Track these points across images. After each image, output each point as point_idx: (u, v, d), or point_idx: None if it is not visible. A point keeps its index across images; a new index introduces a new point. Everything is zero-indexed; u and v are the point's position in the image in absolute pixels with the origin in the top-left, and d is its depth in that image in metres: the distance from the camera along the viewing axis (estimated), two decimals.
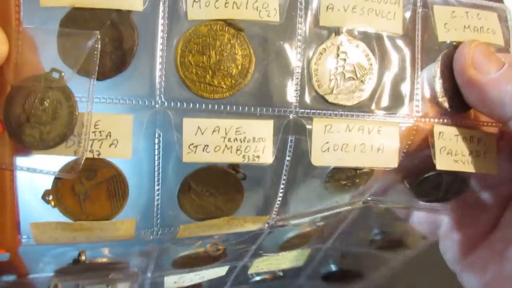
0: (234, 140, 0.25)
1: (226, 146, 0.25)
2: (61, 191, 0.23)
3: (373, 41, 0.27)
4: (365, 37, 0.27)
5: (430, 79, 0.27)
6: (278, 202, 0.27)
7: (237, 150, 0.25)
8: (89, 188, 0.24)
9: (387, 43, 0.27)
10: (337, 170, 0.28)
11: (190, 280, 0.34)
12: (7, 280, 0.27)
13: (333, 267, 0.40)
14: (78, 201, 0.24)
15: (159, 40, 0.24)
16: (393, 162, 0.27)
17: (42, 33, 0.23)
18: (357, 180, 0.29)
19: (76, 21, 0.24)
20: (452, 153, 0.27)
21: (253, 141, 0.25)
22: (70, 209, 0.24)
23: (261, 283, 0.40)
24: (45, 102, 0.23)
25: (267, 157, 0.25)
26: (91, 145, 0.23)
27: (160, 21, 0.24)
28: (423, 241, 0.36)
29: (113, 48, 0.24)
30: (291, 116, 0.26)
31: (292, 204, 0.29)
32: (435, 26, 0.27)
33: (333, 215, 0.31)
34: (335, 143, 0.26)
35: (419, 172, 0.30)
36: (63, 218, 0.24)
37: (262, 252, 0.33)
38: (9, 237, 0.23)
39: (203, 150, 0.25)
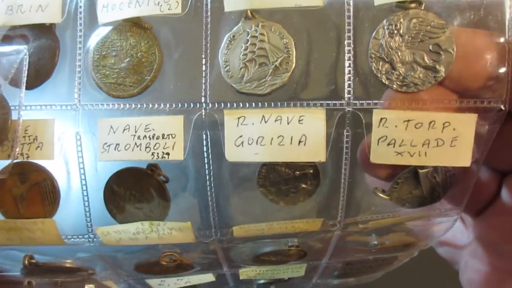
0: (143, 138, 0.25)
1: (135, 144, 0.25)
2: (0, 194, 0.26)
3: (290, 19, 0.24)
4: (282, 17, 0.24)
5: (369, 53, 0.23)
6: (213, 210, 0.26)
7: (146, 147, 0.25)
8: (24, 191, 0.26)
9: (307, 18, 0.24)
10: (268, 170, 0.25)
11: (174, 284, 0.34)
12: None
13: (341, 271, 0.35)
14: (16, 204, 0.26)
15: (78, 48, 0.26)
16: (319, 155, 0.23)
17: None
18: (303, 185, 0.25)
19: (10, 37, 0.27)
20: (395, 144, 0.22)
21: (162, 138, 0.25)
22: (9, 212, 0.26)
23: (267, 285, 0.37)
24: None
25: (177, 154, 0.24)
26: (22, 149, 0.26)
27: (78, 30, 0.26)
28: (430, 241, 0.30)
29: (37, 59, 0.26)
30: (202, 110, 0.24)
31: (234, 215, 0.27)
32: None
33: (308, 236, 0.28)
34: (249, 137, 0.24)
35: (388, 173, 0.25)
36: None
37: (238, 265, 0.31)
38: None
39: (115, 149, 0.25)
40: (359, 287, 0.42)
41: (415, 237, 0.29)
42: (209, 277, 0.34)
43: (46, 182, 0.26)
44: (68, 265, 0.29)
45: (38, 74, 0.26)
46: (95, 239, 0.27)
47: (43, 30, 0.26)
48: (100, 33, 0.26)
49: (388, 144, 0.23)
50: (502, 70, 0.22)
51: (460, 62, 0.22)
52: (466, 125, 0.22)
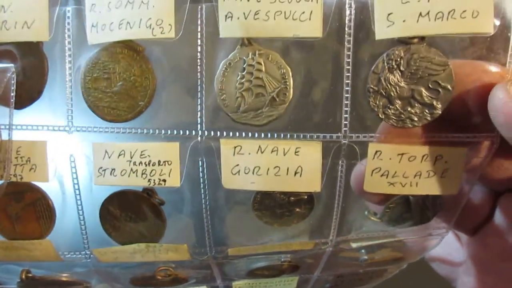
0: (139, 164, 0.25)
1: (131, 170, 0.25)
2: None
3: (287, 48, 0.23)
4: (279, 45, 0.23)
5: (367, 87, 0.23)
6: (209, 232, 0.26)
7: (142, 173, 0.25)
8: (19, 210, 0.26)
9: (305, 49, 0.23)
10: (263, 196, 0.25)
11: None
12: None
13: (332, 284, 0.37)
14: (11, 222, 0.26)
15: (67, 68, 0.25)
16: (314, 186, 0.24)
17: None
18: (297, 209, 0.26)
19: None
20: (388, 175, 0.23)
21: (158, 165, 0.25)
22: (6, 229, 0.26)
23: None
24: None
25: (174, 180, 0.25)
26: (15, 170, 0.26)
27: (67, 49, 0.25)
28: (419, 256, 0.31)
29: (26, 78, 0.25)
30: (198, 138, 0.24)
31: (229, 235, 0.27)
32: (373, 19, 0.22)
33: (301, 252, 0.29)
34: (246, 166, 0.24)
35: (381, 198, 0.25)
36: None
37: (232, 278, 0.32)
38: None
39: (111, 174, 0.25)
40: None
41: (404, 253, 0.30)
42: None
43: (41, 201, 0.27)
44: (64, 278, 0.30)
45: (28, 94, 0.25)
46: (91, 255, 0.28)
47: (30, 48, 0.25)
48: (90, 53, 0.25)
49: (382, 175, 0.23)
50: None
51: (456, 97, 0.22)
52: (457, 158, 0.23)
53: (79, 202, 0.26)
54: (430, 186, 0.23)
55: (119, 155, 0.25)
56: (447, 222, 0.26)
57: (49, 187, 0.27)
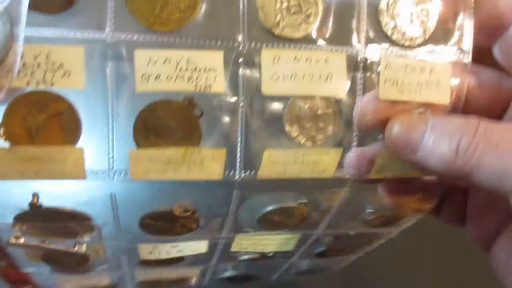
0: (185, 70, 0.26)
1: (177, 75, 0.26)
2: (13, 124, 0.24)
3: None
4: None
5: (379, 12, 0.29)
6: (240, 148, 0.28)
7: (189, 79, 0.26)
8: (41, 121, 0.24)
9: None
10: (293, 106, 0.28)
11: (167, 252, 0.33)
12: None
13: (325, 247, 0.40)
14: (30, 135, 0.24)
15: None
16: (341, 91, 0.28)
17: None
18: (321, 124, 0.29)
19: None
20: (398, 84, 0.28)
21: (204, 71, 0.26)
22: (22, 143, 0.24)
23: (249, 261, 0.39)
24: None
25: (219, 86, 0.26)
26: (44, 76, 0.24)
27: None
28: (419, 215, 0.36)
29: None
30: (240, 49, 0.27)
31: (260, 153, 0.29)
32: None
33: (318, 188, 0.31)
34: (284, 73, 0.27)
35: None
36: None
37: (241, 227, 0.33)
38: None
39: (155, 79, 0.25)
40: None
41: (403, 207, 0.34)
42: (202, 247, 0.34)
43: (67, 111, 0.25)
44: (68, 210, 0.27)
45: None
46: (115, 176, 0.26)
47: None
48: None
49: (392, 84, 0.28)
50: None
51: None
52: (445, 71, 0.29)
53: (111, 113, 0.26)
54: (429, 94, 0.29)
55: (165, 61, 0.26)
56: None
57: (77, 98, 0.25)
